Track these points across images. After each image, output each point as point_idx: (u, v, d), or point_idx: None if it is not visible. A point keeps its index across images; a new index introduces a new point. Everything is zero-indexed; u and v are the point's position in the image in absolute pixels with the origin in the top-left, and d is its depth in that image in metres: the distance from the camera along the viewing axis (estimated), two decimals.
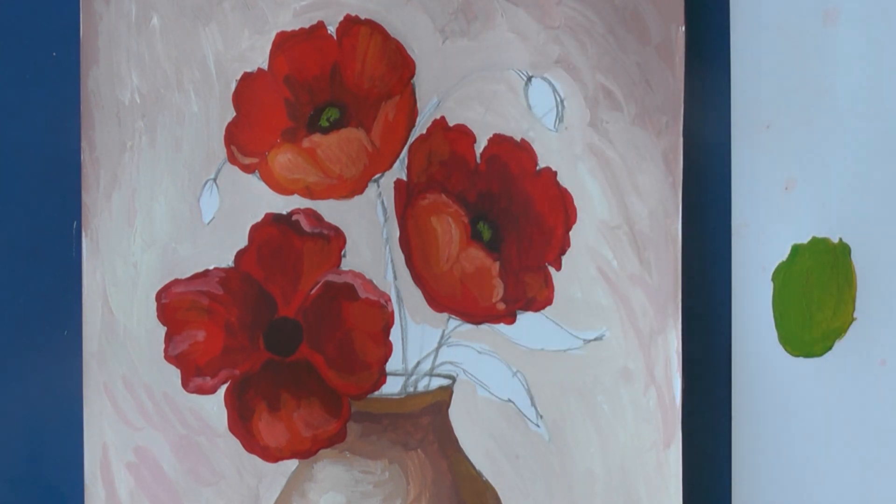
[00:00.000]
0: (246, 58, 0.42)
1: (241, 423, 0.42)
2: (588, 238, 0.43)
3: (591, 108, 0.43)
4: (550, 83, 0.43)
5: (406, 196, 0.43)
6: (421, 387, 0.43)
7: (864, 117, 0.44)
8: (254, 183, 0.42)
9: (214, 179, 0.42)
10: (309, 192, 0.42)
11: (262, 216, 0.42)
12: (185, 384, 0.42)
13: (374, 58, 0.43)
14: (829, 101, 0.45)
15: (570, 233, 0.43)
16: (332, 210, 0.43)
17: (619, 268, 0.43)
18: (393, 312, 0.43)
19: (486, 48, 0.43)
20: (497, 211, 0.43)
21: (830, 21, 0.45)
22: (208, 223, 0.42)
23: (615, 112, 0.43)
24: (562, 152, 0.43)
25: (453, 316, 0.43)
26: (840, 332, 0.45)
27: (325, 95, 0.42)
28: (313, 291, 0.42)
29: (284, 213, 0.42)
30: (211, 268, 0.42)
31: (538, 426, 0.43)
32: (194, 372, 0.42)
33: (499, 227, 0.43)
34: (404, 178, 0.43)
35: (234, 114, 0.42)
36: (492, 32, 0.43)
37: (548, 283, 0.43)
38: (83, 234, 0.42)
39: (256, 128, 0.42)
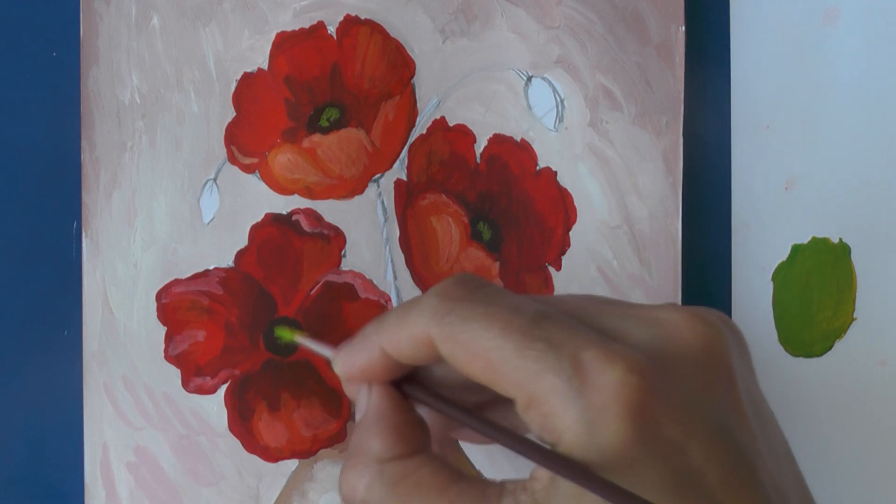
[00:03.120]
0: (246, 58, 0.42)
1: (241, 423, 0.42)
2: (588, 238, 0.43)
3: (591, 108, 0.43)
4: (550, 83, 0.43)
5: (406, 196, 0.43)
6: None
7: (864, 117, 0.45)
8: (254, 183, 0.42)
9: (214, 179, 0.42)
10: (309, 192, 0.42)
11: (262, 216, 0.42)
12: (185, 384, 0.42)
13: (374, 58, 0.43)
14: (829, 101, 0.45)
15: (570, 233, 0.43)
16: (332, 210, 0.43)
17: (619, 268, 0.43)
18: None
19: (486, 48, 0.43)
20: (497, 211, 0.43)
21: (830, 21, 0.45)
22: (208, 223, 0.42)
23: (615, 112, 0.43)
24: (562, 152, 0.43)
25: None
26: (840, 332, 0.45)
27: (325, 95, 0.42)
28: (313, 291, 0.42)
29: (284, 213, 0.42)
30: (211, 268, 0.42)
31: None
32: (194, 372, 0.42)
33: (499, 227, 0.43)
34: (404, 178, 0.43)
35: (234, 114, 0.42)
36: (492, 32, 0.43)
37: (548, 284, 0.43)
38: (83, 234, 0.42)
39: (256, 128, 0.42)
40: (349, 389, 0.34)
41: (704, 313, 0.28)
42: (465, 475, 0.28)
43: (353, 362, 0.31)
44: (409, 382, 0.31)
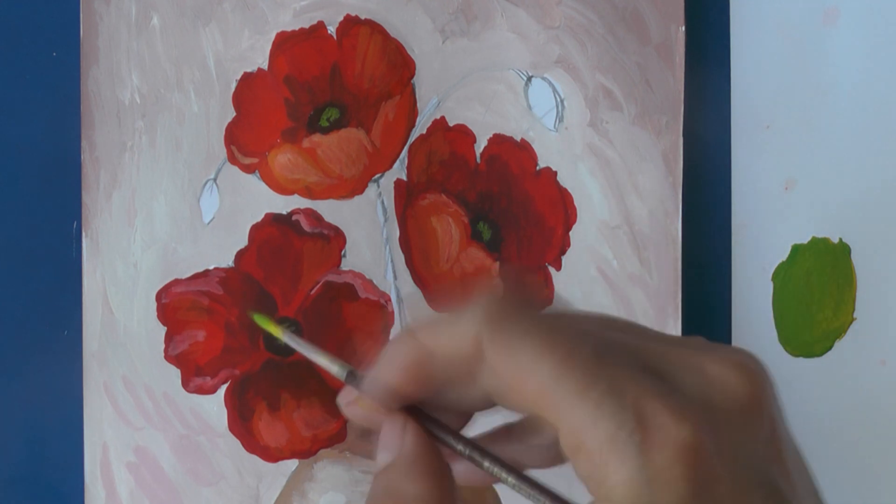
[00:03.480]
0: (246, 58, 0.42)
1: (241, 423, 0.42)
2: (588, 238, 0.43)
3: (591, 108, 0.43)
4: (550, 83, 0.43)
5: (406, 196, 0.43)
6: None
7: (864, 117, 0.44)
8: (254, 183, 0.42)
9: (214, 179, 0.42)
10: (309, 192, 0.42)
11: (262, 216, 0.42)
12: (185, 384, 0.42)
13: (374, 58, 0.43)
14: (829, 101, 0.45)
15: (570, 233, 0.43)
16: (332, 210, 0.43)
17: (619, 268, 0.43)
18: (393, 312, 0.43)
19: (486, 48, 0.43)
20: (497, 211, 0.43)
21: (830, 21, 0.45)
22: (208, 223, 0.42)
23: (615, 112, 0.43)
24: (562, 152, 0.43)
25: None
26: (840, 332, 0.45)
27: (325, 95, 0.42)
28: (313, 291, 0.42)
29: (284, 213, 0.42)
30: (211, 268, 0.42)
31: None
32: (194, 372, 0.42)
33: (499, 227, 0.43)
34: (404, 178, 0.43)
35: (234, 114, 0.42)
36: (492, 32, 0.43)
37: (548, 283, 0.43)
38: (83, 234, 0.42)
39: (256, 128, 0.42)
40: (359, 415, 0.30)
41: (744, 359, 0.27)
42: None
43: (392, 363, 0.28)
44: (433, 424, 0.29)
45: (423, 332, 0.28)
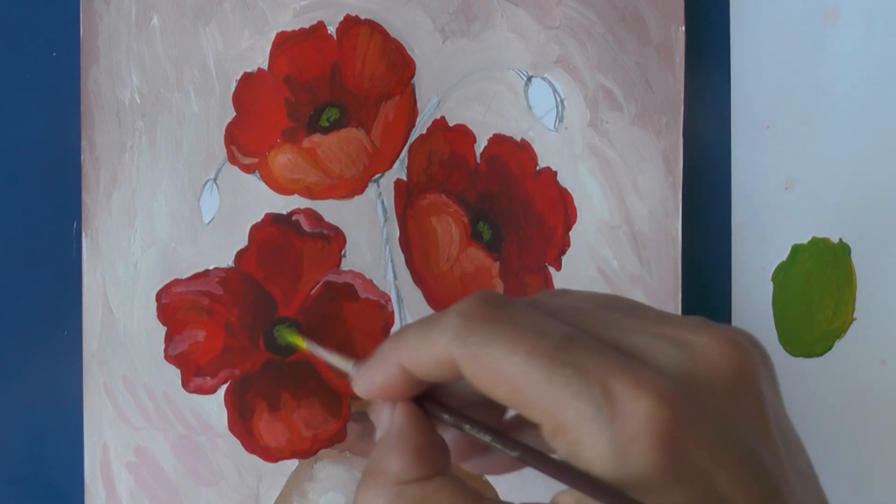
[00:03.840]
0: (246, 58, 0.42)
1: (241, 423, 0.42)
2: (588, 238, 0.43)
3: (591, 108, 0.43)
4: (550, 83, 0.43)
5: (406, 196, 0.43)
6: None
7: (864, 117, 0.45)
8: (254, 183, 0.42)
9: (214, 179, 0.42)
10: (309, 192, 0.42)
11: (262, 216, 0.42)
12: (185, 384, 0.42)
13: (374, 58, 0.43)
14: (829, 101, 0.45)
15: (570, 233, 0.43)
16: (332, 210, 0.43)
17: (619, 268, 0.43)
18: (393, 312, 0.43)
19: (486, 48, 0.43)
20: (497, 211, 0.43)
21: (830, 21, 0.45)
22: (208, 223, 0.42)
23: (615, 112, 0.43)
24: (562, 152, 0.43)
25: None
26: (840, 332, 0.45)
27: (325, 95, 0.42)
28: (313, 291, 0.42)
29: (284, 213, 0.42)
30: (211, 268, 0.42)
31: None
32: (194, 372, 0.42)
33: (499, 227, 0.43)
34: (404, 178, 0.43)
35: (234, 114, 0.42)
36: (492, 32, 0.43)
37: (548, 284, 0.43)
38: (83, 234, 0.42)
39: (256, 128, 0.42)
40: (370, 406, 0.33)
41: (735, 335, 0.28)
42: (484, 497, 0.28)
43: (372, 381, 0.31)
44: (430, 400, 0.30)
45: (403, 355, 0.29)
